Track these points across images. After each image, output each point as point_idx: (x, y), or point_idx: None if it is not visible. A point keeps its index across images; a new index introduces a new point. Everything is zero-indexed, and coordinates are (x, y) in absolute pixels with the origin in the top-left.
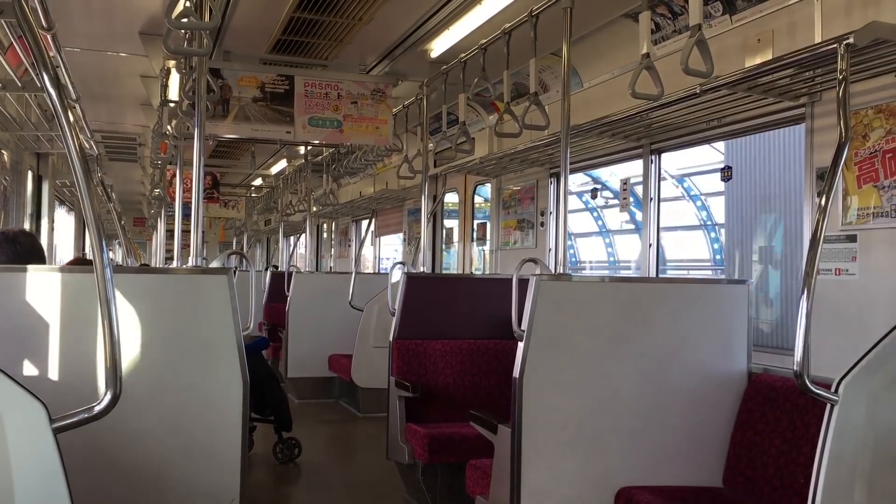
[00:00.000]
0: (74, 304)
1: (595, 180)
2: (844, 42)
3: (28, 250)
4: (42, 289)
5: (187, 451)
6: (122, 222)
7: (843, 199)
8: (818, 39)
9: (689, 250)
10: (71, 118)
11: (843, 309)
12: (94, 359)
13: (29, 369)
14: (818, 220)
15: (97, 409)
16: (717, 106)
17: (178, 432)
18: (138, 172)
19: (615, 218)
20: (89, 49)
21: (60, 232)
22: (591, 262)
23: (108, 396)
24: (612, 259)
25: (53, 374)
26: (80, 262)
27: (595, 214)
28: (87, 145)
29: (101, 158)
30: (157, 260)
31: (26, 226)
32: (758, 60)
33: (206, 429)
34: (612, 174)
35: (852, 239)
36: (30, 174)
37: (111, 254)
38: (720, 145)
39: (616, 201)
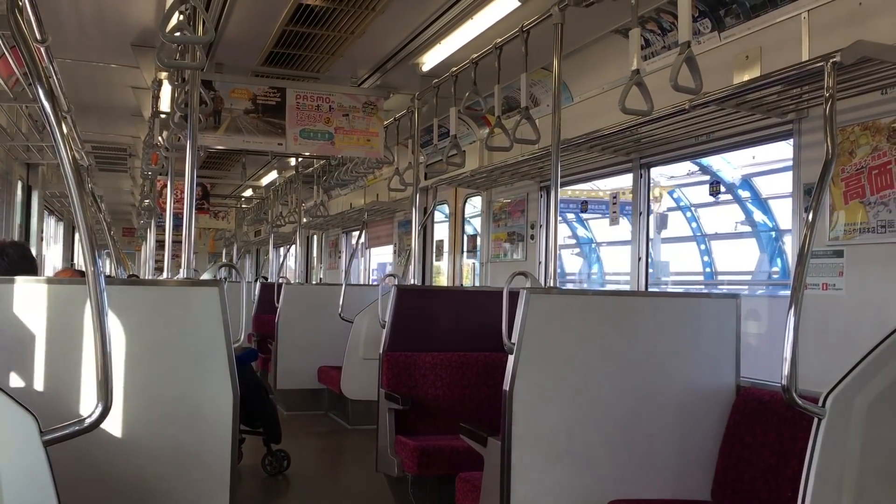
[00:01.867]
0: (61, 316)
1: (704, 169)
2: (831, 60)
3: (17, 262)
4: (29, 300)
5: (177, 464)
6: (112, 233)
7: (830, 214)
8: (805, 57)
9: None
10: (65, 130)
11: (830, 323)
12: (80, 371)
13: (15, 381)
14: (805, 235)
15: (88, 421)
16: (706, 121)
17: (168, 444)
18: (128, 182)
19: (720, 219)
20: (81, 60)
21: (49, 242)
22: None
23: (99, 408)
24: (708, 270)
25: (39, 385)
26: (70, 274)
27: (689, 215)
28: (79, 156)
29: (91, 169)
30: (146, 271)
31: (15, 236)
32: (746, 77)
33: (195, 441)
34: (727, 162)
35: (839, 254)
36: (19, 184)
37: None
38: None
39: (728, 197)
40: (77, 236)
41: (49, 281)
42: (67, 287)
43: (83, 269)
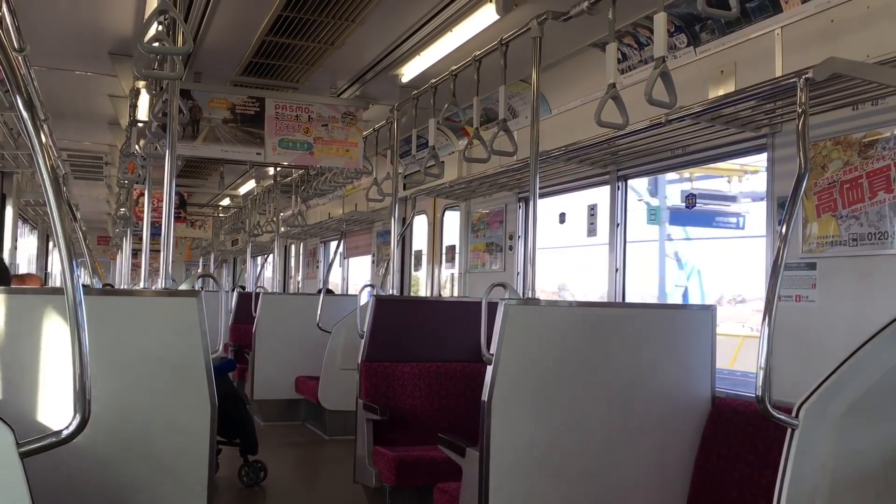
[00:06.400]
0: (23, 326)
1: None
2: (804, 76)
3: None
4: None
5: (154, 475)
6: (87, 241)
7: (803, 227)
8: (779, 73)
9: None
10: (43, 139)
11: (803, 335)
12: (39, 381)
13: None
14: (779, 247)
15: (65, 432)
16: (682, 135)
17: (145, 456)
18: (103, 191)
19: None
20: (57, 68)
21: (22, 251)
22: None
23: (77, 420)
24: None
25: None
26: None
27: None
28: (56, 165)
29: (67, 177)
30: (121, 280)
31: None
32: (721, 91)
33: (172, 452)
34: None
35: (812, 266)
36: None
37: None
38: None
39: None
40: (52, 245)
41: (9, 291)
42: (29, 297)
43: (20, 273)
